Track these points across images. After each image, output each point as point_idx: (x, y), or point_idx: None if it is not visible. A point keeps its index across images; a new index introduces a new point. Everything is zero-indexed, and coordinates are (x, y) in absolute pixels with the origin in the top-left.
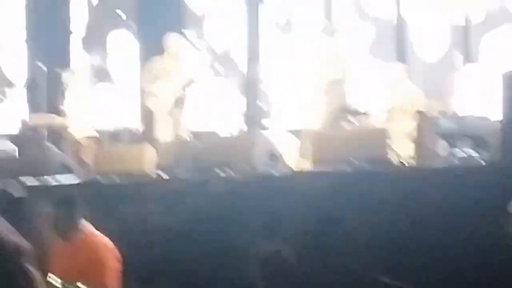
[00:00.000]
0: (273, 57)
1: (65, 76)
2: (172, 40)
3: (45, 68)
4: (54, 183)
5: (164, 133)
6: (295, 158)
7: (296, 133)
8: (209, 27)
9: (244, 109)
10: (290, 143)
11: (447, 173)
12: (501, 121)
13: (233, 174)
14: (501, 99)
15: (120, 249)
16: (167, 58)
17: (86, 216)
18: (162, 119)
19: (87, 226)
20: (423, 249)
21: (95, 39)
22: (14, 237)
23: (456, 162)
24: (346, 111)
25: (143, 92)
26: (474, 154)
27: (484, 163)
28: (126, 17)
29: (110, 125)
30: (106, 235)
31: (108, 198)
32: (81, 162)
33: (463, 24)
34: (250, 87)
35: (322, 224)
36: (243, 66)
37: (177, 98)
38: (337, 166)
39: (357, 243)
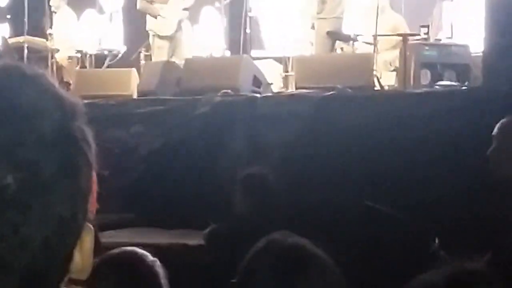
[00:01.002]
0: None
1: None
2: None
3: None
4: None
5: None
6: (280, 85)
7: (281, 60)
8: None
9: (233, 36)
10: (276, 70)
11: (429, 98)
12: (483, 46)
13: (218, 97)
14: (484, 24)
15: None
16: None
17: None
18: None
19: None
20: (405, 173)
21: None
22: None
23: (437, 87)
24: (336, 36)
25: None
26: (455, 82)
27: (466, 88)
28: None
29: (93, 48)
30: None
31: (90, 119)
32: (62, 83)
33: None
34: (237, 15)
35: (305, 148)
36: None
37: (178, 22)
38: (320, 91)
39: (340, 167)
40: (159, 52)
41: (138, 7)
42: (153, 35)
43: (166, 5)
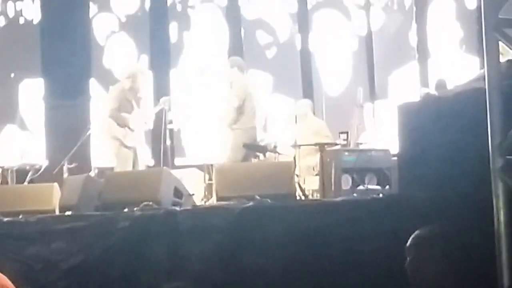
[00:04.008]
0: (182, 91)
1: None
2: None
3: None
4: None
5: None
6: (202, 194)
7: (203, 168)
8: None
9: (154, 145)
10: (197, 179)
11: (345, 206)
12: (397, 153)
13: (138, 211)
14: (397, 131)
15: None
16: None
17: None
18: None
19: None
20: (327, 282)
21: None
22: None
23: (355, 195)
24: (252, 147)
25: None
26: (375, 187)
27: (381, 196)
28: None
29: (15, 162)
30: (7, 274)
31: (11, 236)
32: None
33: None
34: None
35: (224, 260)
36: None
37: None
38: (241, 201)
39: (261, 278)
40: (125, 162)
41: (108, 114)
42: (119, 144)
43: (131, 115)
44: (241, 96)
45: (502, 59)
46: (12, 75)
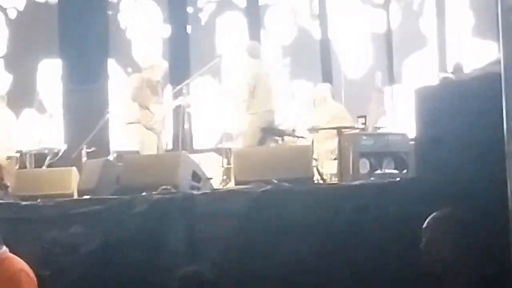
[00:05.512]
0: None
1: None
2: None
3: None
4: None
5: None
6: (220, 178)
7: (222, 152)
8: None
9: (172, 130)
10: (215, 163)
11: (363, 190)
12: (414, 137)
13: (156, 195)
14: (414, 115)
15: (41, 274)
16: None
17: (4, 240)
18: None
19: (3, 250)
20: (343, 266)
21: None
22: None
23: (372, 179)
24: (270, 132)
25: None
26: (393, 171)
27: (398, 179)
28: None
29: (33, 147)
30: (26, 259)
31: (29, 220)
32: (1, 184)
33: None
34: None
35: (242, 244)
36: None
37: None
38: (259, 185)
39: (278, 263)
40: (150, 145)
41: (131, 97)
42: (144, 128)
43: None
44: (250, 81)
45: None
46: (31, 55)
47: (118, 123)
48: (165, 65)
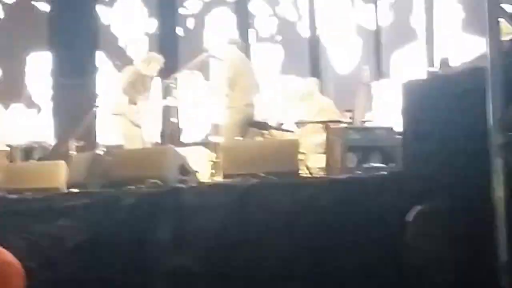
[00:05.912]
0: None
1: None
2: None
3: None
4: None
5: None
6: (208, 172)
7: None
8: None
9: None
10: (205, 156)
11: (350, 184)
12: (401, 131)
13: (144, 189)
14: (401, 109)
15: (28, 266)
16: None
17: None
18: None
19: None
20: (330, 259)
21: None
22: None
23: (359, 172)
24: (257, 125)
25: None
26: (380, 165)
27: (385, 174)
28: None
29: (22, 140)
30: (14, 251)
31: (17, 213)
32: None
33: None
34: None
35: (229, 237)
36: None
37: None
38: (246, 179)
39: (265, 256)
40: (133, 140)
41: (121, 89)
42: (127, 122)
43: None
44: (228, 73)
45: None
46: (19, 48)
47: (105, 114)
48: (162, 60)
